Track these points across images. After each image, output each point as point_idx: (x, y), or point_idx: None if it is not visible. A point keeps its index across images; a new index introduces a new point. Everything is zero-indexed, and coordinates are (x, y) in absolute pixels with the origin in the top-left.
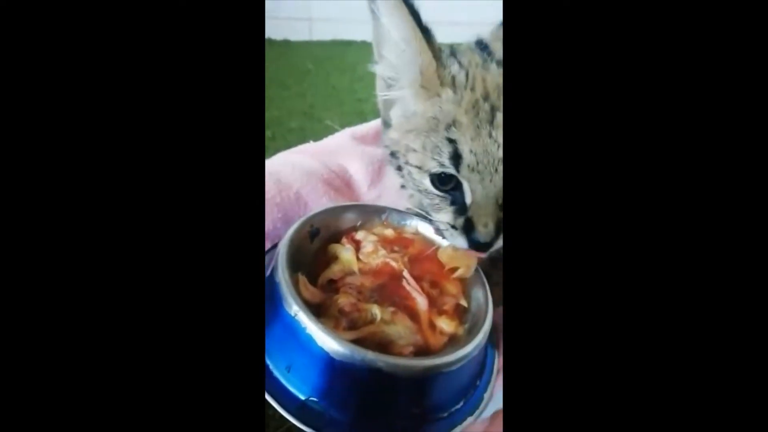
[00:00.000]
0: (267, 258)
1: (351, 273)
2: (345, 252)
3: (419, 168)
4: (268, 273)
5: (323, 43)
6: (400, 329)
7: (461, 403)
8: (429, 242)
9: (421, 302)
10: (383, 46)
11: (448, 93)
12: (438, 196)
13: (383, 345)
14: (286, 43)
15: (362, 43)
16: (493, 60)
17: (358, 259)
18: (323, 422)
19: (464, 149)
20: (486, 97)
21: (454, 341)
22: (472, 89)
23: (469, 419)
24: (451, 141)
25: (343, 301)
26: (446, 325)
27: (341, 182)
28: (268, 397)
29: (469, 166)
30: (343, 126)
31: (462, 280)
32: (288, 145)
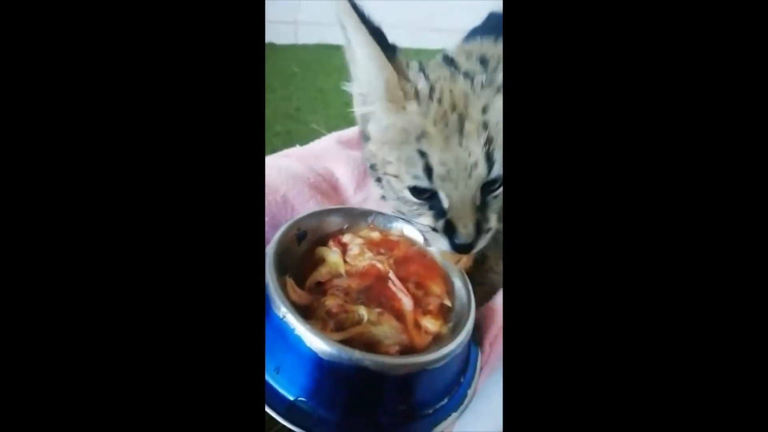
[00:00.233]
0: None
1: (338, 275)
2: (332, 254)
3: (396, 177)
4: None
5: (309, 46)
6: (387, 329)
7: (446, 400)
8: (414, 244)
9: (407, 303)
10: (353, 65)
11: (413, 106)
12: (416, 203)
13: (370, 345)
14: (271, 47)
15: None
16: (459, 72)
17: (344, 261)
18: (312, 422)
19: (434, 161)
20: (453, 108)
21: (438, 340)
22: (439, 101)
23: (454, 415)
24: (423, 154)
25: (331, 302)
26: (431, 324)
27: (328, 186)
28: None
29: (440, 176)
30: (329, 129)
31: (446, 281)
32: (274, 149)
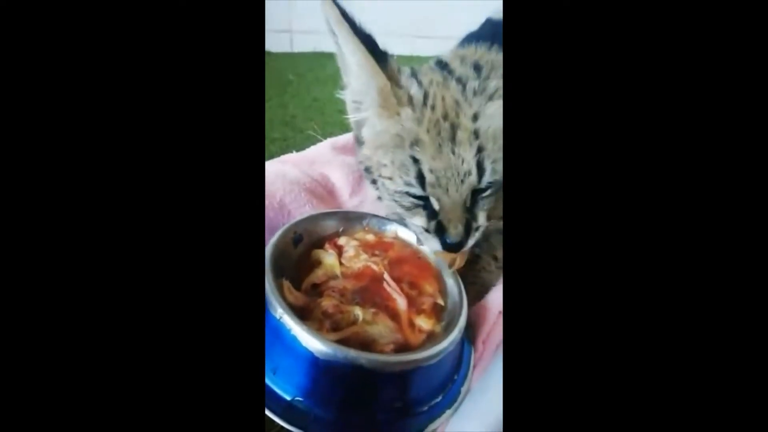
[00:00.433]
0: None
1: (334, 277)
2: (328, 257)
3: (390, 179)
4: None
5: (304, 54)
6: (382, 329)
7: (440, 397)
8: (408, 245)
9: (401, 302)
10: (346, 73)
11: (407, 111)
12: (411, 203)
13: (366, 344)
14: (267, 55)
15: None
16: (453, 78)
17: (340, 263)
18: (308, 421)
19: (426, 168)
20: (445, 117)
21: (432, 338)
22: (433, 108)
23: (448, 412)
24: (416, 160)
25: (327, 303)
26: (424, 323)
27: (323, 190)
28: None
29: (431, 183)
30: (324, 136)
31: (439, 281)
32: (271, 155)
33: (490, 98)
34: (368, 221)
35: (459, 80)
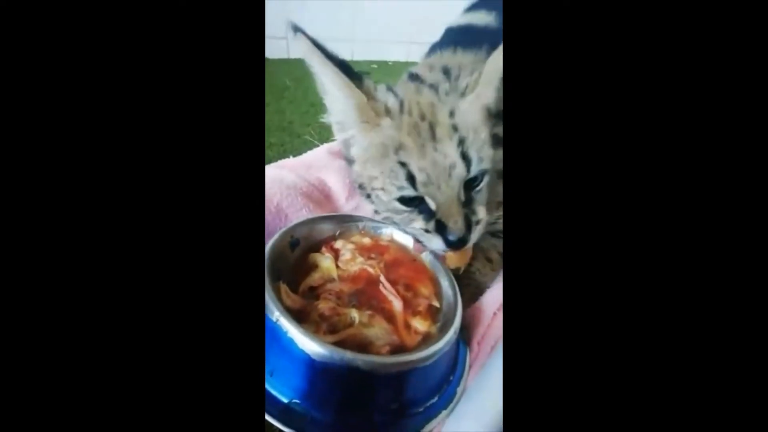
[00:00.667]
0: None
1: (330, 280)
2: (324, 260)
3: (383, 190)
4: None
5: (301, 60)
6: (378, 331)
7: (436, 398)
8: (403, 249)
9: (397, 305)
10: (326, 98)
11: (386, 121)
12: (407, 211)
13: (362, 346)
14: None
15: None
16: (425, 85)
17: (337, 266)
18: (305, 423)
19: (414, 169)
20: (423, 117)
21: (427, 339)
22: (410, 113)
23: (444, 412)
24: (403, 164)
25: (324, 306)
26: (420, 324)
27: (320, 195)
28: None
29: (422, 182)
30: (321, 141)
31: (434, 283)
32: (268, 160)
33: (463, 95)
34: (364, 225)
35: (431, 86)
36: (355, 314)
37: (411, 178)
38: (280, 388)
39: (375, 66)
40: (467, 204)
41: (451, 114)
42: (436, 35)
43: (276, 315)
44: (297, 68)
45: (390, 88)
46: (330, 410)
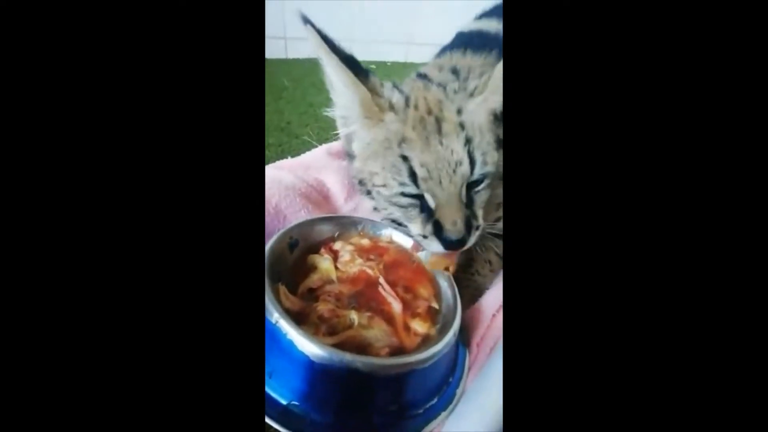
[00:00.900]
0: None
1: (330, 281)
2: (323, 261)
3: (384, 186)
4: None
5: (299, 61)
6: (377, 332)
7: (435, 400)
8: (403, 250)
9: (396, 306)
10: (332, 91)
11: (390, 116)
12: (409, 204)
13: (361, 348)
14: None
15: None
16: (433, 84)
17: (336, 267)
18: (305, 425)
19: (416, 164)
20: (429, 112)
21: (427, 341)
22: (416, 107)
23: (443, 414)
24: (405, 158)
25: (323, 308)
26: (419, 326)
27: (319, 196)
28: None
29: (424, 178)
30: (320, 141)
31: (433, 284)
32: (266, 161)
33: (471, 95)
34: (363, 226)
35: (439, 85)
36: (354, 316)
37: (413, 174)
38: (279, 389)
39: (374, 66)
40: (468, 206)
41: (459, 112)
42: (435, 36)
43: (275, 317)
44: (295, 68)
45: (396, 86)
46: (329, 412)
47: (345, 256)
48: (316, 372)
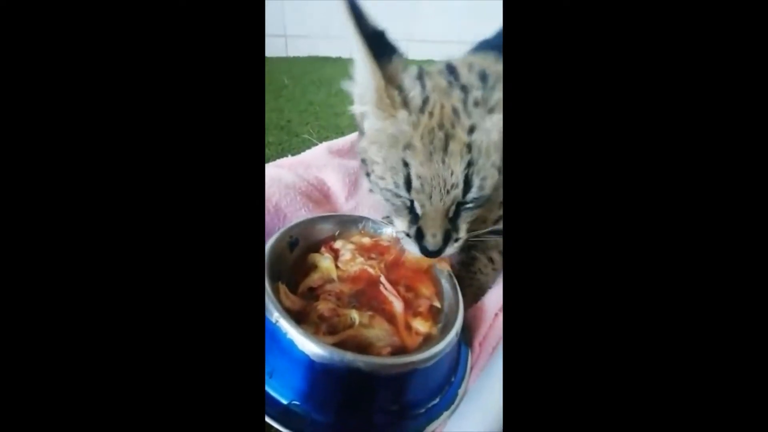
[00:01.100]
0: None
1: (330, 280)
2: (324, 260)
3: (382, 178)
4: None
5: (299, 59)
6: (378, 332)
7: (437, 399)
8: (404, 249)
9: (398, 305)
10: (354, 65)
11: (403, 114)
12: (400, 203)
13: (362, 347)
14: None
15: (338, 59)
16: (457, 85)
17: (336, 266)
18: (305, 424)
19: (413, 174)
20: (441, 126)
21: (428, 340)
22: (430, 115)
23: (445, 414)
24: (406, 164)
25: (323, 307)
26: (421, 325)
27: (319, 194)
28: None
29: (416, 189)
30: (320, 140)
31: (435, 283)
32: (266, 159)
33: (491, 111)
34: (364, 224)
35: (463, 88)
36: (355, 315)
37: (408, 182)
38: (279, 389)
39: None
40: (452, 220)
41: (471, 130)
42: (435, 34)
43: (275, 316)
44: (295, 66)
45: (420, 76)
46: (330, 411)
47: (346, 254)
48: (317, 371)
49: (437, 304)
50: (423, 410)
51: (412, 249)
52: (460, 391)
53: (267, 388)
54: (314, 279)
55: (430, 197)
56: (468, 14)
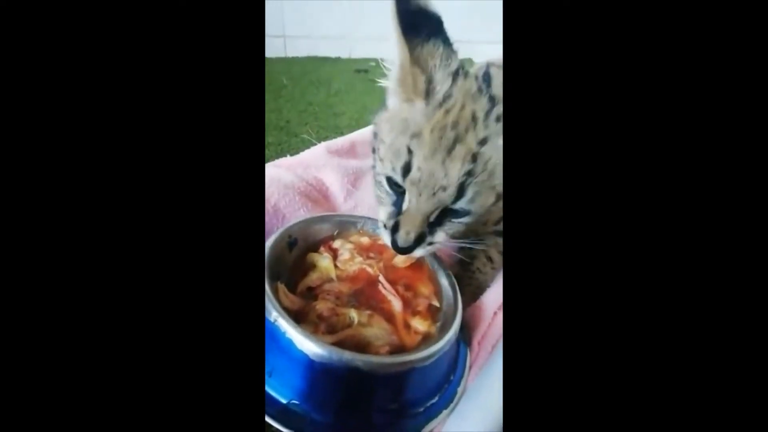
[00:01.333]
0: None
1: (329, 280)
2: (323, 260)
3: (381, 160)
4: None
5: (298, 59)
6: (377, 331)
7: (436, 398)
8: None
9: (396, 304)
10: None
11: (420, 103)
12: (389, 190)
13: (361, 347)
14: None
15: (337, 60)
16: (487, 94)
17: (335, 266)
18: (305, 424)
19: (414, 163)
20: (454, 126)
21: (427, 339)
22: (446, 112)
23: (444, 412)
24: (410, 151)
25: (322, 306)
26: (420, 324)
27: (318, 194)
28: None
29: (412, 180)
30: (319, 140)
31: (434, 282)
32: (265, 159)
33: None
34: (363, 224)
35: (491, 99)
36: (353, 314)
37: (407, 169)
38: (278, 388)
39: (373, 64)
40: (432, 224)
41: (482, 142)
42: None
43: (274, 315)
44: (294, 67)
45: (456, 74)
46: (329, 411)
47: (344, 254)
48: (316, 371)
49: (436, 303)
50: (422, 409)
51: (385, 239)
52: (459, 390)
53: (266, 388)
54: (313, 278)
55: (420, 194)
56: (468, 14)
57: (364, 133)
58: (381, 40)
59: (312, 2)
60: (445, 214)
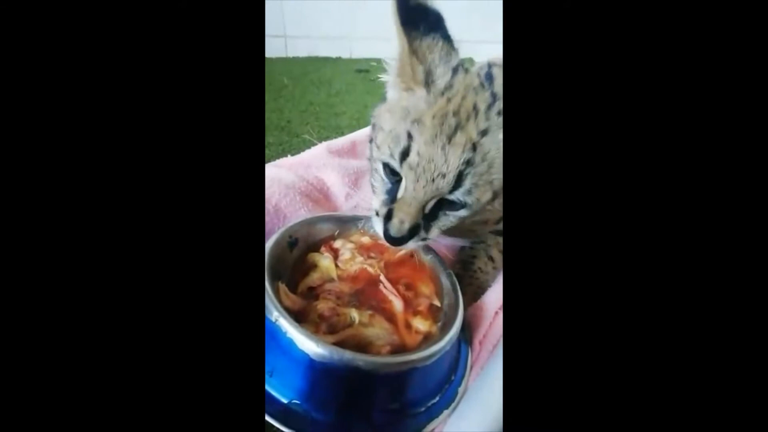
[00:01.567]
0: None
1: (330, 280)
2: (324, 260)
3: (379, 148)
4: None
5: (299, 59)
6: (378, 331)
7: (437, 398)
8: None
9: (398, 304)
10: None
11: (421, 91)
12: (385, 179)
13: (362, 346)
14: None
15: (338, 60)
16: (489, 89)
17: (336, 266)
18: (306, 424)
19: (414, 148)
20: (455, 113)
21: (428, 339)
22: (448, 100)
23: (445, 412)
24: (410, 136)
25: (323, 306)
26: (421, 324)
27: (319, 194)
28: None
29: (410, 164)
30: (320, 140)
31: (435, 282)
32: (266, 159)
33: None
34: (364, 224)
35: (493, 95)
36: (354, 314)
37: (405, 154)
38: (279, 388)
39: (374, 64)
40: (427, 217)
41: (483, 133)
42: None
43: (275, 315)
44: (295, 67)
45: (456, 69)
46: (330, 411)
47: (345, 254)
48: (317, 370)
49: (437, 302)
50: (423, 409)
51: (377, 228)
52: (460, 390)
53: (267, 387)
54: (314, 278)
55: (417, 180)
56: (468, 14)
57: (364, 132)
58: (381, 40)
59: (312, 2)
60: (441, 205)
